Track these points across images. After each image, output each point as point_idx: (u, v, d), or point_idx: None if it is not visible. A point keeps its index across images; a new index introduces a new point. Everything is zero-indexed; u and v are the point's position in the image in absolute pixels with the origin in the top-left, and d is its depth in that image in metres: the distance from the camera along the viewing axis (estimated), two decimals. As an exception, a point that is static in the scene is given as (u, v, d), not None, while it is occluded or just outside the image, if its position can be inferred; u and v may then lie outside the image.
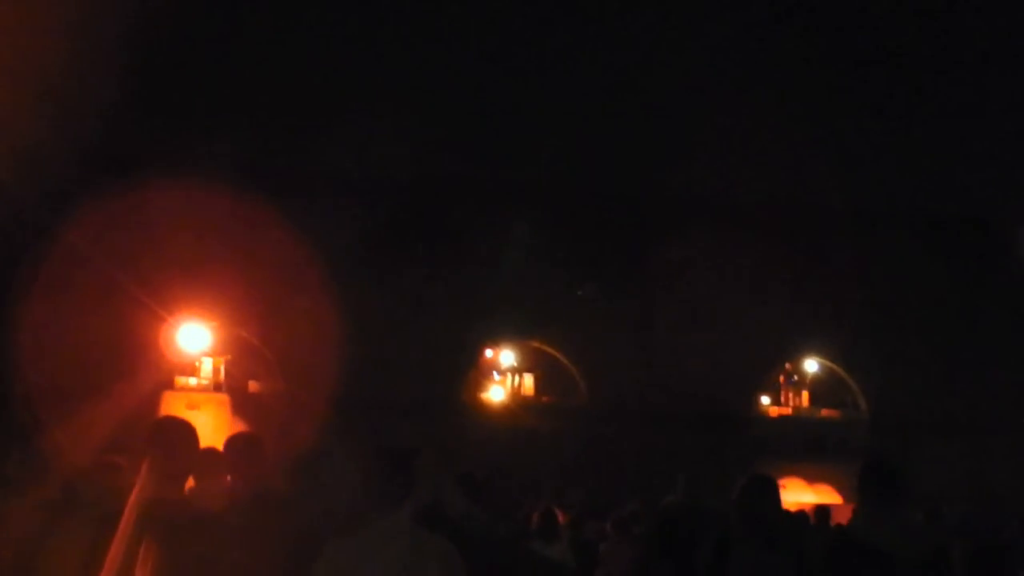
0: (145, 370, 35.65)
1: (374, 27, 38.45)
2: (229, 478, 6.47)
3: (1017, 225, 39.07)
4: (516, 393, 44.27)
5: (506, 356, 43.52)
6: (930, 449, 32.92)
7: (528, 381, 44.36)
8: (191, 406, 37.03)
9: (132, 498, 5.59)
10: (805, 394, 45.17)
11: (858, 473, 6.38)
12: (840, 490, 38.51)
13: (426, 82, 37.85)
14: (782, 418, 44.10)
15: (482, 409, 41.65)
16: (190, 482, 6.33)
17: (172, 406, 36.25)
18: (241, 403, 37.50)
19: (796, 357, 42.24)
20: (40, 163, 25.85)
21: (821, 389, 44.54)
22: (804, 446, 43.22)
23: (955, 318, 38.00)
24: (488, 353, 41.55)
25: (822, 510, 15.83)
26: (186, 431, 6.06)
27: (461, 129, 37.69)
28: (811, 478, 40.25)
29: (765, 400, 43.97)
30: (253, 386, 39.23)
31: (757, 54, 41.27)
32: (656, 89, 38.65)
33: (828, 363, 41.62)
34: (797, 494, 35.36)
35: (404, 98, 35.99)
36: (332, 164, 35.37)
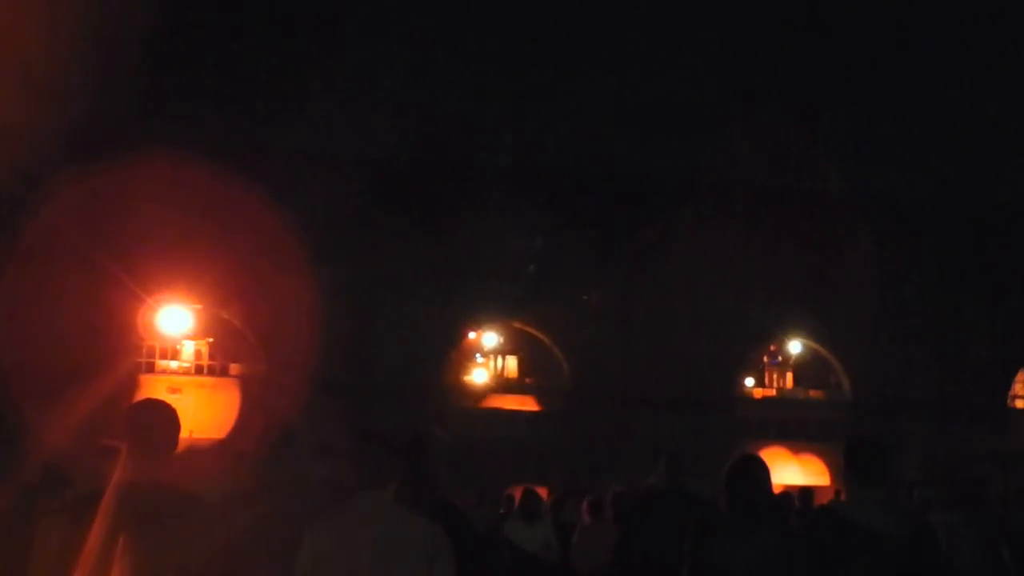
0: (124, 353, 35.54)
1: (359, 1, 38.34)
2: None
3: (1002, 208, 39.13)
4: (499, 375, 44.35)
5: (489, 338, 43.56)
6: (912, 430, 33.04)
7: (511, 363, 44.43)
8: (172, 389, 36.96)
9: (112, 482, 5.54)
10: (789, 375, 45.33)
11: (843, 453, 6.38)
12: (824, 471, 38.68)
13: (410, 58, 37.71)
14: (766, 399, 44.26)
15: (464, 391, 41.69)
16: (170, 465, 6.27)
17: (153, 390, 36.12)
18: (222, 385, 37.50)
19: (780, 338, 42.30)
20: (15, 140, 25.67)
21: (805, 370, 44.69)
22: (788, 427, 43.42)
23: (939, 300, 38.09)
24: (471, 335, 41.55)
25: (807, 491, 15.89)
26: (166, 413, 6.00)
27: (445, 108, 37.60)
28: (795, 459, 40.44)
29: (749, 382, 44.09)
30: (235, 368, 39.18)
31: (741, 31, 41.21)
32: (639, 69, 38.59)
33: (812, 344, 41.68)
34: (781, 475, 35.49)
35: (388, 75, 35.89)
36: (314, 142, 35.23)
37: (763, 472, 6.51)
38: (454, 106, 37.57)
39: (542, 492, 14.56)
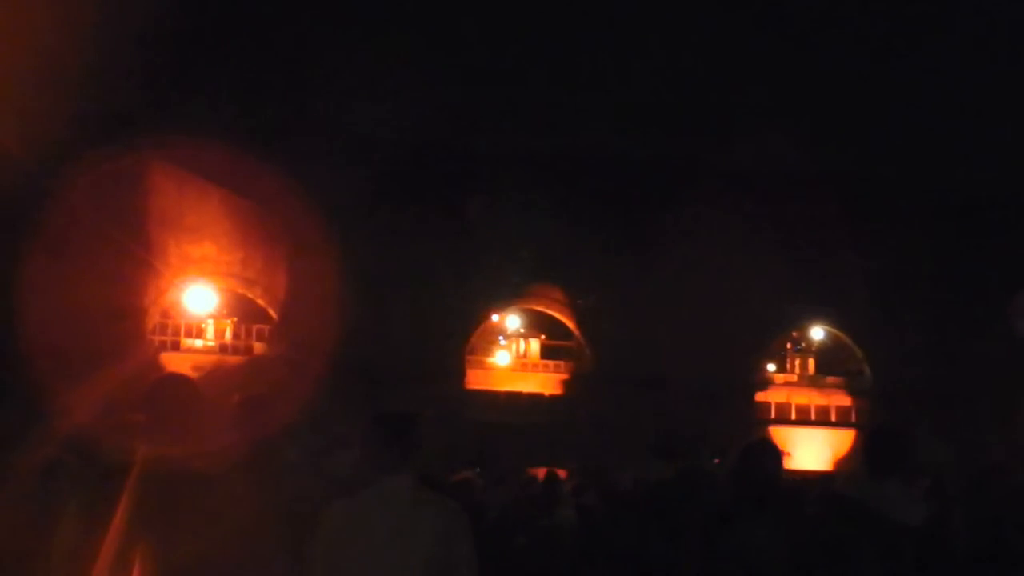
0: (150, 332, 35.72)
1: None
2: (230, 438, 6.46)
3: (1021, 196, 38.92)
4: (522, 358, 44.37)
5: (512, 320, 43.58)
6: (933, 417, 32.92)
7: (534, 346, 44.44)
8: (197, 368, 37.09)
9: (138, 458, 5.58)
10: (811, 361, 45.23)
11: (863, 441, 6.39)
12: (844, 457, 38.58)
13: (432, 40, 37.66)
14: (787, 385, 44.18)
15: (487, 373, 41.74)
16: (192, 441, 6.31)
17: (177, 368, 36.24)
18: (246, 365, 37.62)
19: (802, 325, 42.23)
20: (39, 124, 25.78)
21: (827, 357, 44.60)
22: (809, 413, 43.34)
23: (962, 287, 37.93)
24: (494, 317, 41.57)
25: (826, 477, 15.86)
26: (188, 389, 6.03)
27: (469, 93, 37.56)
28: (815, 445, 40.35)
29: (771, 367, 44.02)
30: (259, 348, 39.32)
31: (759, 17, 41.06)
32: (661, 54, 38.47)
33: (835, 331, 41.61)
34: (801, 460, 35.43)
35: (410, 60, 35.84)
36: (340, 123, 35.25)
37: (773, 458, 6.52)
38: (479, 91, 37.53)
39: (562, 474, 14.57)
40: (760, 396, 40.75)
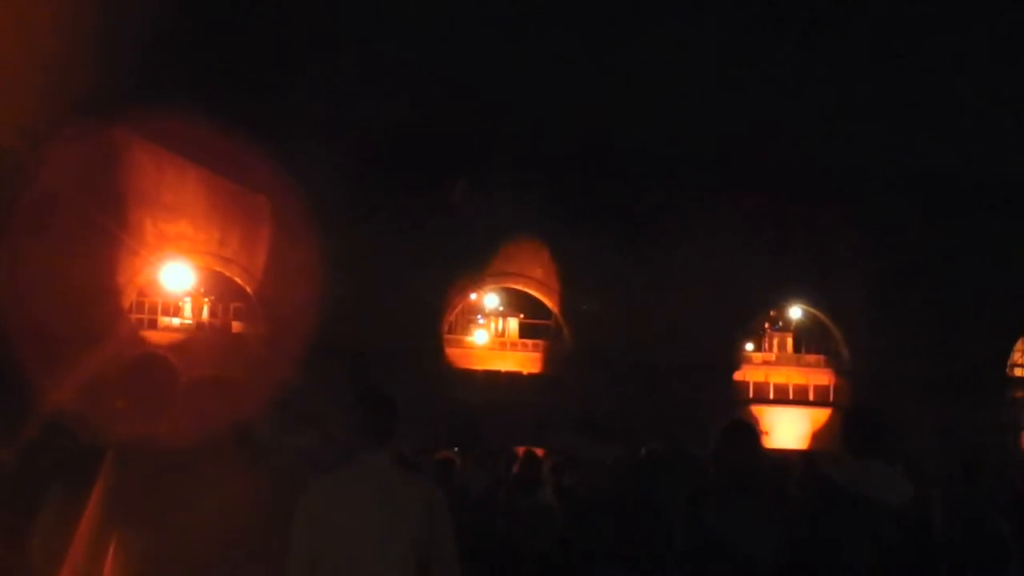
0: (127, 310, 35.60)
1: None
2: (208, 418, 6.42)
3: (1000, 181, 39.09)
4: (500, 336, 44.40)
5: (490, 299, 43.61)
6: (910, 398, 33.07)
7: (512, 325, 44.47)
8: (173, 346, 37.00)
9: (115, 438, 5.55)
10: (789, 340, 45.40)
11: (842, 421, 6.40)
12: (823, 436, 38.77)
13: (414, 22, 37.63)
14: (766, 364, 44.35)
15: (465, 352, 41.76)
16: (169, 421, 6.28)
17: (154, 348, 36.11)
18: (223, 344, 37.55)
19: (781, 304, 42.37)
20: (17, 102, 25.64)
21: (805, 336, 44.78)
22: (787, 392, 43.52)
23: (939, 269, 38.09)
24: (472, 296, 41.59)
25: (807, 456, 15.89)
26: (164, 368, 5.99)
27: (448, 73, 37.56)
28: (794, 424, 40.54)
29: (749, 347, 44.16)
30: (237, 327, 39.24)
31: (744, 3, 41.14)
32: (642, 41, 38.51)
33: (813, 310, 41.74)
34: (781, 439, 35.58)
35: (391, 38, 35.81)
36: (317, 104, 35.23)
37: (753, 438, 6.52)
38: (452, 75, 37.53)
39: (540, 453, 14.57)
40: (738, 375, 40.87)
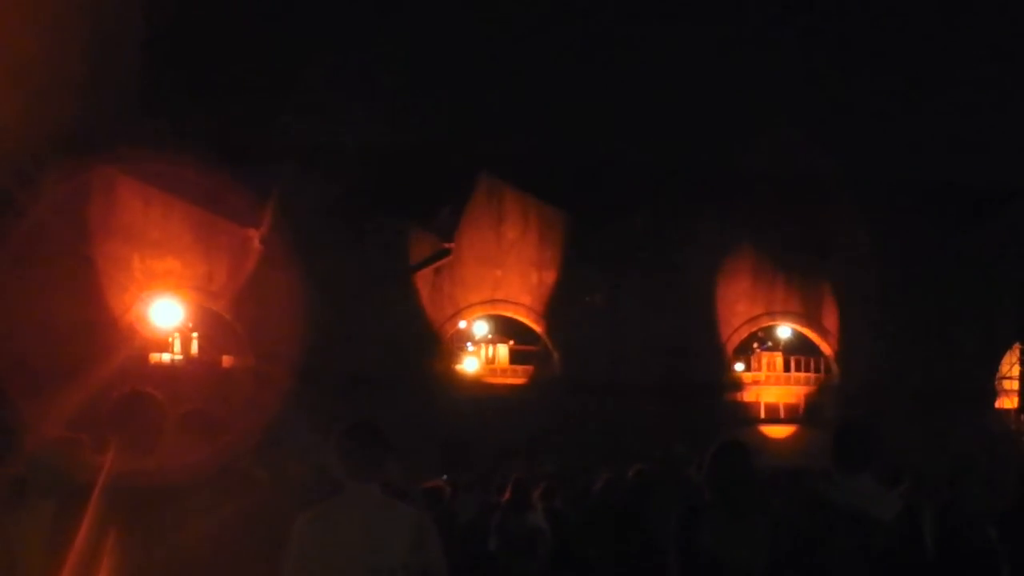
0: (117, 346, 35.55)
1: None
2: (196, 453, 6.43)
3: (991, 194, 39.25)
4: (490, 363, 44.39)
5: (479, 327, 43.61)
6: (899, 413, 33.13)
7: (502, 352, 44.47)
8: (163, 381, 36.76)
9: (103, 473, 5.56)
10: (779, 359, 45.43)
11: (831, 437, 6.42)
12: (813, 453, 38.72)
13: (395, 50, 37.73)
14: (755, 384, 44.36)
15: (455, 379, 41.73)
16: (158, 456, 6.28)
17: (144, 382, 35.95)
18: (213, 378, 37.43)
19: (769, 323, 42.41)
20: (9, 139, 25.71)
21: (794, 355, 44.82)
22: (777, 410, 43.51)
23: (927, 285, 38.19)
24: (462, 324, 41.59)
25: (798, 473, 15.89)
26: (152, 405, 6.01)
27: (430, 99, 37.63)
28: (784, 442, 40.52)
29: (739, 367, 44.19)
30: (226, 361, 39.20)
31: (742, 17, 41.36)
32: (629, 57, 38.65)
33: (801, 329, 41.79)
34: (771, 457, 35.58)
35: (375, 67, 35.92)
36: (299, 136, 35.28)
37: (744, 457, 6.55)
38: (436, 99, 37.61)
39: (529, 478, 14.59)
40: (729, 395, 40.88)
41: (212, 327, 39.84)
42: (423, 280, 36.59)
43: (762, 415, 43.38)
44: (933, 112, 38.92)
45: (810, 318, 40.58)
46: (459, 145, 37.52)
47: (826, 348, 41.28)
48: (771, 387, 44.38)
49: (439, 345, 39.23)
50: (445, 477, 18.30)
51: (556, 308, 38.40)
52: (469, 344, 44.63)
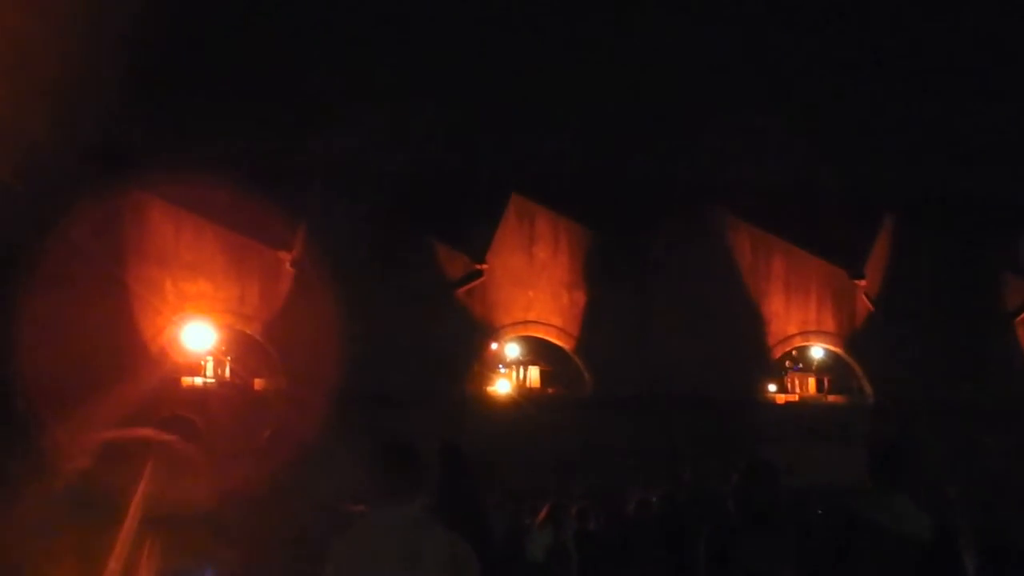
0: (149, 368, 35.66)
1: (371, 16, 38.40)
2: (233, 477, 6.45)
3: (1013, 207, 39.00)
4: (522, 385, 44.28)
5: (511, 348, 43.53)
6: (932, 432, 32.89)
7: (533, 373, 44.36)
8: (196, 405, 36.91)
9: (136, 496, 5.58)
10: (811, 380, 45.13)
11: (867, 456, 6.40)
12: (847, 474, 38.45)
13: (426, 70, 37.73)
14: (788, 404, 44.07)
15: (488, 402, 41.64)
16: (194, 480, 6.30)
17: (178, 405, 36.06)
18: (245, 402, 37.48)
19: (802, 344, 42.21)
20: (40, 159, 25.87)
21: (827, 376, 44.54)
22: (810, 432, 43.21)
23: (959, 303, 37.96)
24: (493, 346, 41.54)
25: (831, 491, 15.82)
26: (190, 429, 6.05)
27: (463, 118, 37.57)
28: (817, 462, 40.26)
29: (772, 388, 43.94)
30: (259, 384, 39.20)
31: (754, 34, 41.19)
32: (656, 77, 38.54)
33: (834, 349, 41.58)
34: (804, 477, 35.35)
35: (406, 87, 35.97)
36: (333, 157, 35.36)
37: (771, 476, 6.54)
38: (464, 118, 37.55)
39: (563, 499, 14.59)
40: (760, 415, 40.67)
41: (244, 350, 39.91)
42: (455, 302, 36.62)
43: (794, 436, 43.12)
44: (969, 127, 38.57)
45: (843, 340, 40.37)
46: (490, 165, 37.51)
47: (859, 369, 41.04)
48: (803, 408, 44.11)
49: (471, 367, 39.21)
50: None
51: (587, 328, 38.34)
52: (501, 366, 44.57)
